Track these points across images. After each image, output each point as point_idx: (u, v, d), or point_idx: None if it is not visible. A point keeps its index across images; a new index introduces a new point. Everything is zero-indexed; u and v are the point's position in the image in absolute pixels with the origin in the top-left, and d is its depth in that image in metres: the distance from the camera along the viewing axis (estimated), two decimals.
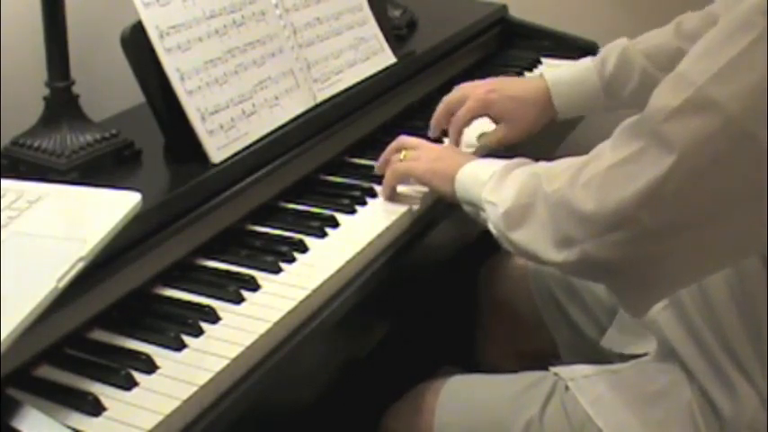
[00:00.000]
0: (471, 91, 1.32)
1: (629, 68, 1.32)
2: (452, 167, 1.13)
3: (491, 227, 1.05)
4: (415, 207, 1.18)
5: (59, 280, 0.80)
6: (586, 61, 1.36)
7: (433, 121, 1.33)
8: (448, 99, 1.33)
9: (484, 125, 1.34)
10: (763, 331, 0.96)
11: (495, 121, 1.33)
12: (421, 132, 1.31)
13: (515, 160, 1.08)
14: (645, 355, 1.13)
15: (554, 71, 1.36)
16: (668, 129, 0.82)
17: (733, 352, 0.99)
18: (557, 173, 0.95)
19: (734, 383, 0.99)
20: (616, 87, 1.33)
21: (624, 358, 1.16)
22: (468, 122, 1.31)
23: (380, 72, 1.42)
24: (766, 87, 0.77)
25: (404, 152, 1.20)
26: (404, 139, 1.22)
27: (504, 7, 1.81)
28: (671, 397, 1.04)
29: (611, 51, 1.34)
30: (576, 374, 1.10)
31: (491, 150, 1.31)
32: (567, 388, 1.09)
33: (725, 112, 0.79)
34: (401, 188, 1.20)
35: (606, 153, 0.90)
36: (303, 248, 1.08)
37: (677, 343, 1.05)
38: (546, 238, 0.94)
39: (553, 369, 1.13)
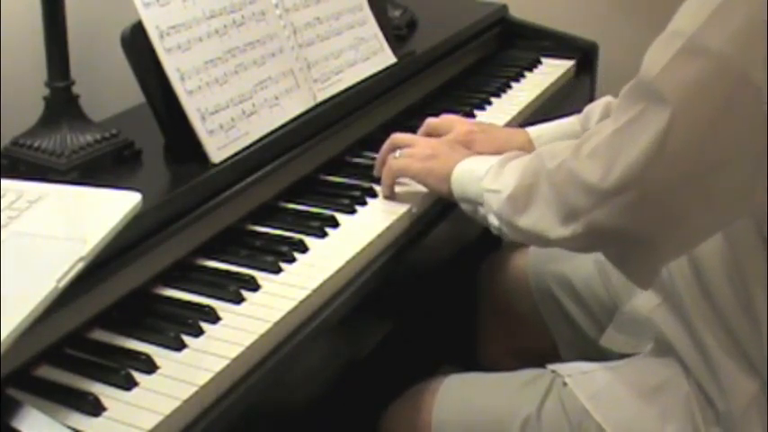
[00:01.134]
0: (457, 123, 1.29)
1: None
2: (447, 165, 1.13)
3: (492, 219, 1.05)
4: (415, 207, 1.18)
5: (59, 280, 0.80)
6: (570, 118, 1.34)
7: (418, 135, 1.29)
8: (430, 121, 1.29)
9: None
10: (763, 318, 0.96)
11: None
12: None
13: (511, 153, 1.08)
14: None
15: (537, 128, 1.34)
16: (662, 83, 0.83)
17: (730, 343, 0.99)
18: (558, 150, 0.96)
19: (727, 376, 0.99)
20: None
21: (623, 358, 1.16)
22: None
23: (380, 72, 1.42)
24: (756, 27, 0.78)
25: (398, 150, 1.20)
26: (397, 137, 1.22)
27: (504, 7, 1.81)
28: (669, 391, 1.05)
29: (595, 106, 1.31)
30: (573, 371, 1.11)
31: None
32: (564, 384, 1.09)
33: (718, 57, 0.80)
34: (401, 188, 1.20)
35: (607, 123, 0.90)
36: (303, 248, 1.08)
37: (673, 338, 1.06)
38: (552, 216, 0.95)
39: (550, 366, 1.13)
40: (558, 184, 0.94)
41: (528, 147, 1.28)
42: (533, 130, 1.32)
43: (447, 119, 1.31)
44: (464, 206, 1.12)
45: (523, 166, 1.01)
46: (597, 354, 1.21)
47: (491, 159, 1.09)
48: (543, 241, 0.99)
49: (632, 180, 0.85)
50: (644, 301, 1.12)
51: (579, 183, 0.91)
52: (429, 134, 1.28)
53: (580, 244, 0.97)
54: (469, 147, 1.25)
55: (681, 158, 0.83)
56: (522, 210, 0.99)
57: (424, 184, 1.18)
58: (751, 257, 0.96)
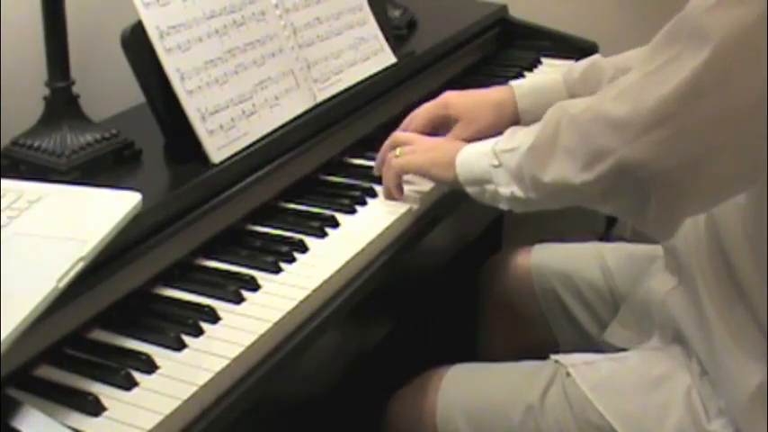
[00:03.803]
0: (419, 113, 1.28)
1: (598, 75, 1.30)
2: (450, 154, 1.13)
3: (503, 190, 1.05)
4: (416, 207, 1.18)
5: (59, 280, 0.80)
6: (554, 71, 1.35)
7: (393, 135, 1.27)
8: (411, 114, 1.29)
9: None
10: None
11: (453, 124, 1.27)
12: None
13: (518, 126, 1.08)
14: None
15: (521, 80, 1.35)
16: (707, 21, 0.83)
17: (739, 330, 0.99)
18: (581, 101, 0.96)
19: (732, 366, 0.99)
20: (581, 92, 1.31)
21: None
22: (425, 120, 1.26)
23: (380, 72, 1.42)
24: None
25: (398, 149, 1.20)
26: (397, 136, 1.22)
27: (504, 7, 1.81)
28: (671, 382, 1.05)
29: (579, 63, 1.33)
30: (576, 361, 1.11)
31: None
32: (567, 374, 1.09)
33: (763, 4, 0.80)
34: (406, 188, 1.20)
35: (637, 70, 0.90)
36: (303, 248, 1.08)
37: (683, 323, 1.06)
38: (575, 162, 0.94)
39: (554, 356, 1.14)
40: (582, 126, 0.94)
41: (508, 97, 1.28)
42: (516, 83, 1.33)
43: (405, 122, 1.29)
44: (470, 189, 1.11)
45: (544, 119, 1.00)
46: (600, 352, 1.21)
47: (495, 138, 1.09)
48: (565, 192, 0.98)
49: (663, 115, 0.86)
50: (660, 284, 1.11)
51: (607, 121, 0.90)
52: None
53: (604, 188, 0.95)
54: (447, 108, 1.25)
55: (714, 97, 0.84)
56: (545, 160, 0.98)
57: (429, 176, 1.17)
58: None
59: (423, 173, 1.17)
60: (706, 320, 1.02)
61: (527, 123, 1.24)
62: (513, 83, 1.33)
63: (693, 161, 0.87)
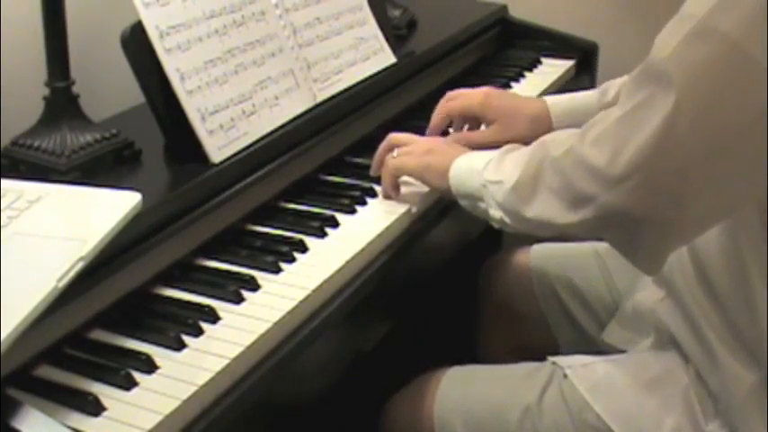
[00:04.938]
0: (470, 92, 1.32)
1: None
2: (445, 161, 1.13)
3: (494, 212, 1.05)
4: (415, 207, 1.18)
5: (59, 280, 0.80)
6: (588, 91, 1.35)
7: (433, 122, 1.31)
8: (448, 94, 1.32)
9: None
10: (763, 311, 0.96)
11: (487, 123, 1.31)
12: (421, 132, 1.31)
13: (510, 146, 1.08)
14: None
15: (555, 96, 1.35)
16: (669, 66, 0.84)
17: (730, 336, 0.99)
18: (563, 139, 0.96)
19: (727, 368, 0.99)
20: None
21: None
22: (461, 115, 1.29)
23: (380, 72, 1.42)
24: (764, 12, 0.79)
25: (396, 149, 1.20)
26: (394, 137, 1.22)
27: (504, 7, 1.81)
28: (668, 383, 1.05)
29: (612, 83, 1.33)
30: (573, 362, 1.11)
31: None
32: (565, 376, 1.09)
33: (727, 39, 0.81)
34: (404, 189, 1.20)
35: (613, 110, 0.90)
36: (303, 248, 1.08)
37: (675, 330, 1.06)
38: (559, 203, 0.95)
39: (551, 358, 1.14)
40: (564, 170, 0.94)
41: (543, 111, 1.30)
42: (550, 98, 1.33)
43: (460, 91, 1.32)
44: (463, 202, 1.11)
45: (527, 156, 1.00)
46: (599, 353, 1.21)
47: (489, 154, 1.09)
48: (550, 229, 0.99)
49: (641, 164, 0.86)
50: (648, 295, 1.12)
51: (587, 168, 0.91)
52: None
53: (588, 229, 0.97)
54: (486, 108, 1.27)
55: (689, 141, 0.84)
56: (528, 199, 0.99)
57: (423, 181, 1.18)
58: (752, 250, 0.96)
59: (416, 177, 1.18)
60: (698, 328, 1.03)
61: None
62: (548, 98, 1.33)
63: (675, 204, 0.88)
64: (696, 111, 0.83)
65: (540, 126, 1.29)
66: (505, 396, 1.12)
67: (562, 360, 1.12)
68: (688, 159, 0.85)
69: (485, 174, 1.06)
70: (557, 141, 0.97)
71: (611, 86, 1.32)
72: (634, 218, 0.90)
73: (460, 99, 1.31)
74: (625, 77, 1.30)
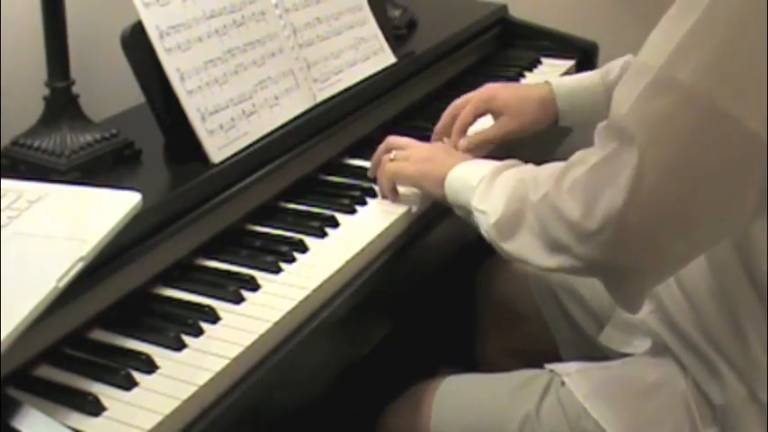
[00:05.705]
0: (474, 93, 1.31)
1: None
2: (442, 169, 1.12)
3: (483, 232, 1.05)
4: (415, 207, 1.18)
5: (59, 280, 0.80)
6: (591, 72, 1.35)
7: (437, 127, 1.30)
8: (454, 103, 1.31)
9: (485, 125, 1.34)
10: (744, 325, 0.97)
11: (496, 116, 1.31)
12: (421, 132, 1.31)
13: (504, 162, 1.08)
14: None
15: (558, 78, 1.36)
16: (629, 122, 0.83)
17: (719, 348, 1.00)
18: (542, 179, 0.95)
19: (723, 376, 1.00)
20: None
21: (623, 358, 1.16)
22: (471, 122, 1.29)
23: (380, 72, 1.42)
24: (724, 56, 0.78)
25: (393, 152, 1.20)
26: (393, 140, 1.22)
27: (504, 7, 1.81)
28: (666, 389, 1.05)
29: (615, 62, 1.33)
30: (571, 370, 1.11)
31: (487, 149, 1.30)
32: (562, 383, 1.09)
33: (686, 88, 0.80)
34: (400, 189, 1.20)
35: (589, 153, 0.90)
36: (303, 248, 1.08)
37: (668, 340, 1.07)
38: (538, 246, 0.95)
39: (549, 366, 1.13)
40: (541, 216, 0.94)
41: (548, 96, 1.30)
42: (555, 81, 1.33)
43: (465, 96, 1.31)
44: (458, 212, 1.11)
45: (511, 191, 1.00)
46: (598, 354, 1.21)
47: (484, 167, 1.07)
48: (531, 266, 1.00)
49: (614, 217, 0.85)
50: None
51: (562, 219, 0.90)
52: (455, 116, 1.28)
53: (566, 273, 0.98)
54: (491, 102, 1.27)
55: (658, 192, 0.84)
56: (508, 237, 0.99)
57: (419, 188, 1.17)
58: (737, 287, 0.97)
59: (413, 184, 1.17)
60: (689, 341, 1.03)
61: (566, 123, 1.32)
62: (552, 80, 1.33)
63: (649, 251, 0.88)
64: (662, 163, 0.82)
65: (548, 108, 1.31)
66: (503, 406, 1.12)
67: (560, 367, 1.12)
68: (660, 208, 0.84)
69: (473, 200, 1.05)
70: (536, 181, 0.96)
71: (613, 67, 1.32)
72: (609, 267, 0.90)
73: (468, 106, 1.29)
74: (627, 57, 1.31)
